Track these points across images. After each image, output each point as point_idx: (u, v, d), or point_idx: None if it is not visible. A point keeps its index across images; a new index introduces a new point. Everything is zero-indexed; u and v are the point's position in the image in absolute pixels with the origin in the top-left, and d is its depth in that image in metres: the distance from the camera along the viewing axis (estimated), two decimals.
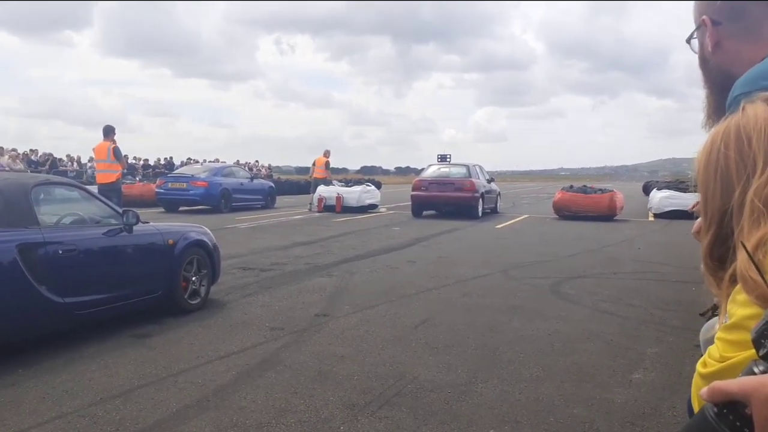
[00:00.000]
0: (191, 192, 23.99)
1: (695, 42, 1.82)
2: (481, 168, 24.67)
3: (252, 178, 27.60)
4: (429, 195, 22.80)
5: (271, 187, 28.30)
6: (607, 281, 10.09)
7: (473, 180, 22.69)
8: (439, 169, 23.90)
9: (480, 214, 22.75)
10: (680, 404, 4.67)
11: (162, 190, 24.67)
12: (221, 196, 24.31)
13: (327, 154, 26.41)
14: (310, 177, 26.90)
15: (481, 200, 22.90)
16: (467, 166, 23.51)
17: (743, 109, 1.19)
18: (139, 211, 7.35)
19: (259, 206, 26.66)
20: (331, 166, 26.99)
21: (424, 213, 23.47)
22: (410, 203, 23.69)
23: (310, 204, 25.60)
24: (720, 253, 1.17)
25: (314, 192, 25.80)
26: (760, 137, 1.12)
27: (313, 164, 26.43)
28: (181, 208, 24.31)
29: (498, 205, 26.00)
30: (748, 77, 1.54)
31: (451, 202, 22.54)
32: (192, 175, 24.88)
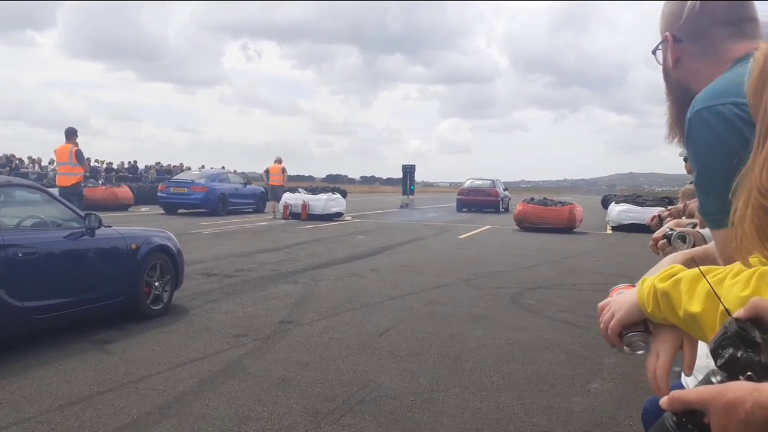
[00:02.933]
0: (192, 196, 25.74)
1: (660, 54, 1.85)
2: (500, 181, 37.33)
3: (245, 184, 29.16)
4: (468, 198, 35.27)
5: (263, 192, 29.20)
6: (567, 292, 10.16)
7: (496, 189, 35.56)
8: (473, 182, 36.19)
9: (501, 209, 35.06)
10: (636, 414, 4.69)
11: (164, 194, 26.32)
12: (219, 200, 26.19)
13: (280, 160, 26.37)
14: (267, 185, 26.87)
15: (500, 202, 35.42)
16: (492, 180, 36.20)
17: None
18: (102, 215, 7.24)
19: (251, 210, 28.43)
20: (287, 172, 26.95)
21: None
22: (455, 203, 36.18)
23: (274, 212, 25.65)
24: None
25: (272, 199, 26.07)
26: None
27: (266, 172, 26.29)
28: (180, 211, 25.83)
29: (509, 205, 36.05)
30: (708, 93, 1.55)
31: (482, 203, 34.95)
32: (192, 181, 26.56)
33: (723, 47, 1.68)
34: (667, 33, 1.77)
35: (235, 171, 46.70)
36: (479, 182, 36.12)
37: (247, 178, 33.06)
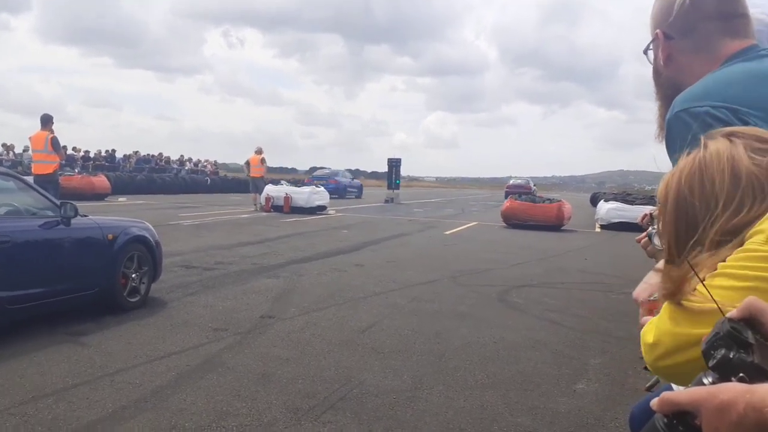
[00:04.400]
0: (330, 186, 36.59)
1: (651, 53, 1.87)
2: (531, 179, 66.34)
3: (353, 179, 48.43)
4: (511, 191, 47.23)
5: (360, 184, 49.25)
6: (554, 291, 10.21)
7: (531, 185, 59.23)
8: (515, 180, 63.15)
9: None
10: (623, 415, 4.73)
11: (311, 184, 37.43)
12: (343, 188, 44.04)
13: (260, 151, 26.25)
14: (248, 176, 26.86)
15: (532, 191, 50.00)
16: (527, 179, 64.84)
17: (705, 145, 1.23)
18: (78, 204, 7.21)
19: (354, 197, 44.76)
20: (267, 163, 26.94)
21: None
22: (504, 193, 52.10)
23: (256, 204, 25.64)
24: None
25: (254, 191, 26.14)
26: (723, 179, 1.17)
27: (247, 164, 26.23)
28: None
29: (536, 194, 41.97)
30: (690, 94, 1.60)
31: (522, 192, 40.08)
32: (328, 177, 44.32)
33: (715, 43, 1.72)
34: (657, 30, 1.80)
35: (215, 162, 48.73)
36: (520, 181, 63.64)
37: (228, 169, 33.53)
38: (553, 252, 15.64)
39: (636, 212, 20.34)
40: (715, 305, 0.97)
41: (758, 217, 1.14)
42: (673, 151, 1.47)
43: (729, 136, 1.23)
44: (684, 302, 1.14)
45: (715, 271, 1.12)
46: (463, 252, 14.98)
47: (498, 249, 15.89)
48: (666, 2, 1.78)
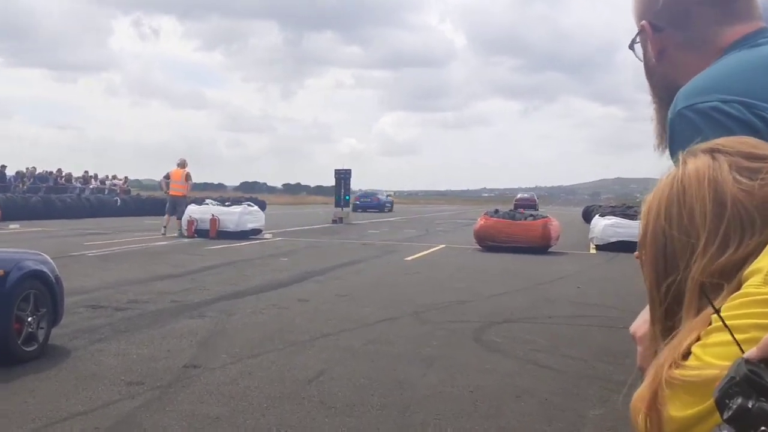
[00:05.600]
0: (373, 203, 65.91)
1: (639, 48, 1.87)
2: (536, 194, 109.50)
3: (387, 196, 73.26)
4: (519, 204, 69.02)
5: (392, 200, 75.45)
6: (541, 327, 10.29)
7: (536, 199, 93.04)
8: (521, 195, 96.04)
9: (537, 210, 54.26)
10: None
11: (358, 202, 62.19)
12: (383, 205, 66.97)
13: (184, 164, 25.98)
14: (165, 193, 26.60)
15: (537, 205, 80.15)
16: (533, 194, 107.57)
17: (684, 163, 1.19)
18: None
19: (387, 210, 66.74)
20: (193, 180, 26.68)
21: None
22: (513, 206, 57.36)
23: (165, 227, 25.33)
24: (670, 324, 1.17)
25: (170, 213, 25.70)
26: (704, 208, 1.12)
27: (166, 178, 26.03)
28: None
29: (539, 210, 52.42)
30: (690, 90, 1.59)
31: (527, 206, 58.01)
32: (371, 195, 69.44)
33: (713, 32, 1.71)
34: (643, 22, 1.79)
35: (126, 178, 48.62)
36: (526, 195, 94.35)
37: (141, 187, 33.19)
38: (538, 279, 15.77)
39: (638, 229, 20.33)
40: (718, 371, 0.94)
41: (751, 254, 1.09)
42: (677, 156, 1.36)
43: (712, 152, 1.18)
44: (678, 374, 1.05)
45: (711, 326, 1.05)
46: (429, 282, 15.05)
47: (471, 277, 15.99)
48: None
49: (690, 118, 1.52)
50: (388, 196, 76.45)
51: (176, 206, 25.56)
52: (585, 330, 10.22)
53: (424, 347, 8.73)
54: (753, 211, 1.09)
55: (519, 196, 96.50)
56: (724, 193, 1.11)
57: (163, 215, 25.77)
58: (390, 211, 68.65)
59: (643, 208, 1.22)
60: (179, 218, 25.41)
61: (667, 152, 1.69)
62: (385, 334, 9.46)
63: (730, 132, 1.36)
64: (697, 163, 1.16)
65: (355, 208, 58.46)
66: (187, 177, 25.83)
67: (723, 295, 1.06)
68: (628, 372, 7.62)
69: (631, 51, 1.89)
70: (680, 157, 1.20)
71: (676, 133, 1.55)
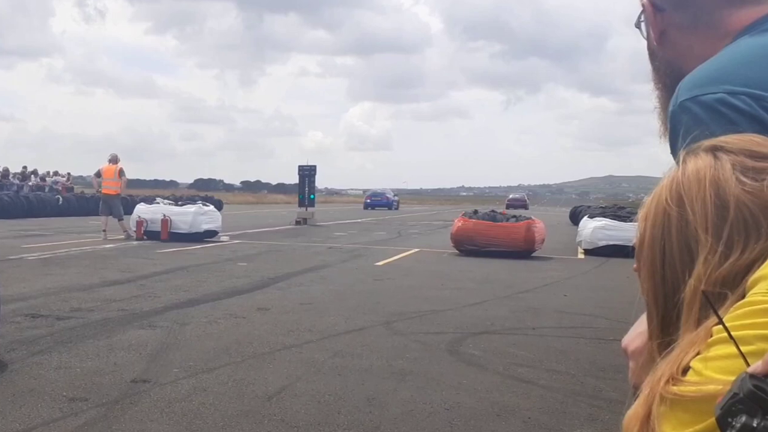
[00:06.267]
0: (383, 201, 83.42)
1: (645, 27, 1.85)
2: (525, 194, 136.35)
3: (395, 195, 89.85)
4: (510, 204, 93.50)
5: (398, 199, 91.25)
6: (524, 339, 10.32)
7: (527, 200, 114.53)
8: (513, 195, 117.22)
9: (527, 208, 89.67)
10: None
11: (369, 201, 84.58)
12: (391, 203, 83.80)
13: (116, 159, 25.70)
14: (98, 192, 26.42)
15: (527, 204, 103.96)
16: (525, 194, 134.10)
17: (684, 162, 1.19)
18: None
19: (394, 209, 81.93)
20: (127, 176, 26.45)
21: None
22: (505, 206, 70.91)
23: (104, 231, 25.10)
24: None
25: (105, 213, 25.54)
26: (705, 211, 1.12)
27: (98, 175, 25.87)
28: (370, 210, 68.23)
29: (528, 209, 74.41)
30: (698, 77, 1.57)
31: (518, 206, 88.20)
32: (381, 195, 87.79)
33: (719, 15, 1.69)
34: (644, 0, 1.79)
35: (68, 175, 48.24)
36: (518, 196, 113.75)
37: (86, 184, 32.91)
38: (521, 287, 15.83)
39: (631, 232, 20.40)
40: (720, 386, 0.94)
41: (756, 260, 1.08)
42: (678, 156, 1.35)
43: (714, 150, 1.18)
44: (676, 390, 1.04)
45: (712, 338, 1.04)
46: (401, 289, 15.08)
47: (448, 284, 16.03)
48: None
49: (693, 111, 1.50)
50: (395, 195, 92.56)
51: (111, 206, 25.35)
52: (572, 342, 10.25)
53: (396, 360, 8.72)
54: (758, 213, 1.09)
55: (511, 196, 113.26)
56: (726, 195, 1.11)
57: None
58: (396, 209, 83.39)
59: (640, 213, 1.21)
60: (120, 219, 25.26)
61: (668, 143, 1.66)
62: (352, 346, 9.45)
63: (736, 127, 1.35)
64: (697, 163, 1.16)
65: (366, 206, 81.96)
66: (120, 173, 25.54)
67: (727, 305, 1.05)
68: (619, 388, 7.68)
69: (637, 30, 1.87)
70: (680, 157, 1.20)
71: (677, 127, 1.53)
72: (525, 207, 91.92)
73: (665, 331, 1.17)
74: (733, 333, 1.00)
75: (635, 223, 1.25)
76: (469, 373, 8.33)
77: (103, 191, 25.66)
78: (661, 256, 1.17)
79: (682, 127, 1.49)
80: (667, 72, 1.78)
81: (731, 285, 1.08)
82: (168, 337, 9.59)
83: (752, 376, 0.89)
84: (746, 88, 1.48)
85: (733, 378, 0.92)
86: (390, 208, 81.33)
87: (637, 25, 1.86)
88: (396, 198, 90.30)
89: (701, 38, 1.70)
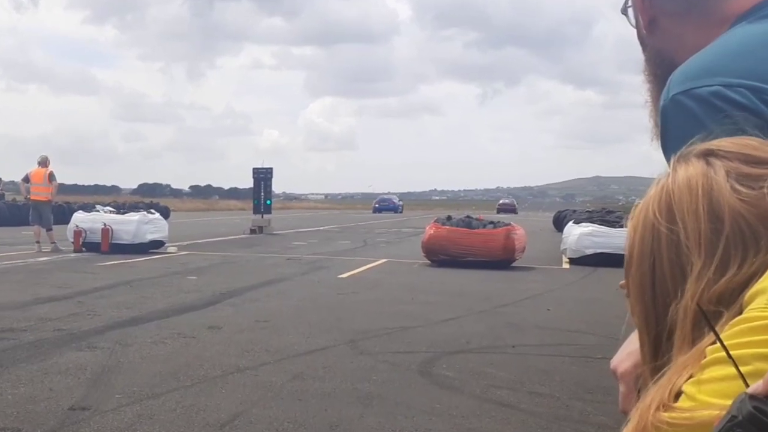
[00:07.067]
0: (390, 206, 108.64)
1: (633, 13, 1.86)
2: (514, 199, 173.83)
3: (399, 199, 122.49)
4: (501, 209, 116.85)
5: (402, 203, 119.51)
6: (503, 358, 10.36)
7: (515, 204, 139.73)
8: (503, 200, 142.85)
9: (516, 212, 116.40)
10: None
11: (378, 205, 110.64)
12: (397, 208, 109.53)
13: (45, 162, 25.62)
14: (26, 199, 26.30)
15: (515, 209, 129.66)
16: (513, 199, 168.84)
17: (674, 170, 1.18)
18: None
19: (399, 212, 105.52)
20: (58, 180, 26.34)
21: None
22: (496, 211, 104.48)
23: (38, 242, 25.05)
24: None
25: (36, 222, 25.49)
26: (698, 222, 1.11)
27: (26, 180, 25.79)
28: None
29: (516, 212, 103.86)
30: (691, 69, 1.56)
31: (508, 211, 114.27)
32: (388, 200, 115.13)
33: (714, 0, 1.69)
34: None
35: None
36: (508, 200, 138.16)
37: (18, 190, 32.71)
38: (499, 300, 15.87)
39: (621, 239, 20.32)
40: (715, 411, 0.95)
41: (755, 275, 1.07)
42: (672, 152, 1.31)
43: (706, 155, 1.17)
44: (667, 417, 1.03)
45: (706, 359, 1.03)
46: (367, 304, 15.10)
47: (419, 298, 16.06)
48: None
49: (686, 105, 1.49)
50: (399, 201, 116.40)
51: (41, 214, 25.27)
52: (556, 361, 10.29)
53: (362, 383, 8.74)
54: (756, 224, 1.08)
55: (501, 201, 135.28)
56: (720, 205, 1.10)
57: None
58: (401, 212, 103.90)
59: (629, 226, 1.20)
60: (48, 229, 25.10)
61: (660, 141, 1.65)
62: (313, 367, 9.46)
63: (734, 122, 1.33)
64: (688, 170, 1.15)
65: (375, 211, 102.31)
66: (51, 177, 25.47)
67: (722, 323, 1.05)
68: (608, 412, 7.75)
69: (624, 17, 1.88)
70: (671, 163, 1.19)
71: (670, 124, 1.52)
72: (514, 212, 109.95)
73: (658, 355, 1.16)
74: (731, 352, 0.98)
75: (625, 229, 1.24)
76: (443, 396, 8.35)
77: (32, 197, 25.57)
78: (650, 275, 1.16)
79: (674, 123, 1.50)
80: (658, 62, 1.78)
81: (727, 303, 1.07)
82: (109, 359, 9.57)
83: (752, 397, 0.89)
84: (744, 80, 1.47)
85: (729, 402, 0.92)
86: (396, 212, 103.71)
87: (624, 11, 1.87)
88: (401, 203, 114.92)
89: (695, 26, 1.70)
